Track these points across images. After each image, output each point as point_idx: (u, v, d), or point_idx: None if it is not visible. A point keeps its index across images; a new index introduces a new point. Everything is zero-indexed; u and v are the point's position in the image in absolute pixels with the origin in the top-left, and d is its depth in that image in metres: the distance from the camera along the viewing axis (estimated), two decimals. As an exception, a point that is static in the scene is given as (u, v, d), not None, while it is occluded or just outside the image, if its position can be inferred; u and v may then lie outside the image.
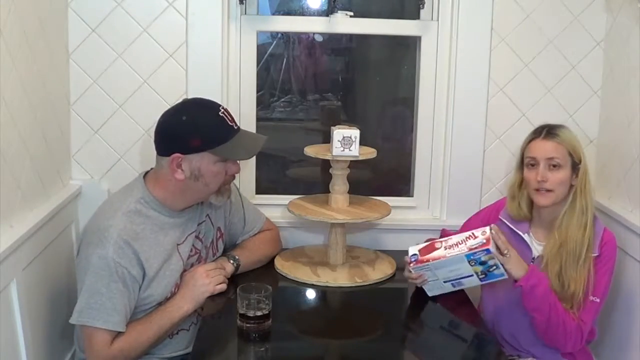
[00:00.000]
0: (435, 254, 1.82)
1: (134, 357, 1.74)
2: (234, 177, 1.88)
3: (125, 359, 1.72)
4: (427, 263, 1.82)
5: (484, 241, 1.75)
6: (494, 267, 1.77)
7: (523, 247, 1.93)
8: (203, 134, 1.75)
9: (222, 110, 1.80)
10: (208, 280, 1.84)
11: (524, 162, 1.92)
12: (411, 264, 1.85)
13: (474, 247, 1.75)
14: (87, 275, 1.70)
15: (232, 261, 1.97)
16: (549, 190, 1.86)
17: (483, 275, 1.80)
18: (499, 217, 2.02)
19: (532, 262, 1.91)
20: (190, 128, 1.75)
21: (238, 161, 1.84)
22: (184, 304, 1.81)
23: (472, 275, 1.80)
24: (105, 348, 1.69)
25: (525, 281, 1.76)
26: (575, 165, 1.88)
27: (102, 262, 1.68)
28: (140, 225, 1.76)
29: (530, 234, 1.96)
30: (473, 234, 1.78)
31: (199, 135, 1.75)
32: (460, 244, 1.78)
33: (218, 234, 2.00)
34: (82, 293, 1.71)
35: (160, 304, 1.80)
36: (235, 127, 1.82)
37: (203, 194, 1.83)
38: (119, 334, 1.71)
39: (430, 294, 1.89)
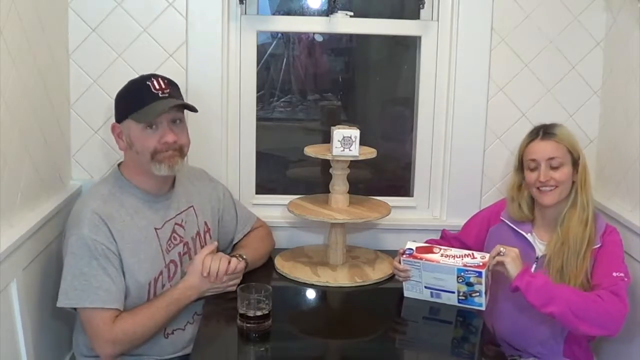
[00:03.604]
0: (430, 256, 1.85)
1: (139, 341, 1.74)
2: (173, 147, 1.79)
3: (130, 342, 1.72)
4: (419, 261, 1.84)
5: (480, 264, 1.79)
6: (477, 295, 1.81)
7: (526, 247, 1.93)
8: (126, 100, 1.83)
9: (155, 79, 1.80)
10: (222, 285, 1.85)
11: (524, 164, 1.92)
12: (403, 256, 1.87)
13: (469, 264, 1.79)
14: (67, 257, 1.72)
15: (242, 259, 1.94)
16: (553, 188, 1.86)
17: (463, 297, 1.83)
18: (500, 217, 2.03)
19: (536, 261, 1.92)
20: (119, 96, 1.86)
21: (170, 130, 1.78)
22: (192, 292, 1.81)
23: (453, 292, 1.84)
24: (107, 327, 1.68)
25: (520, 279, 1.75)
26: (575, 162, 1.89)
27: (80, 242, 1.70)
28: (115, 207, 1.78)
29: (533, 233, 1.97)
30: (473, 254, 1.83)
31: (123, 101, 1.83)
32: (457, 257, 1.83)
33: (205, 227, 1.99)
34: (64, 276, 1.72)
35: (150, 285, 1.80)
36: (161, 95, 1.78)
37: (143, 163, 1.80)
38: (119, 316, 1.70)
39: (406, 293, 1.92)
